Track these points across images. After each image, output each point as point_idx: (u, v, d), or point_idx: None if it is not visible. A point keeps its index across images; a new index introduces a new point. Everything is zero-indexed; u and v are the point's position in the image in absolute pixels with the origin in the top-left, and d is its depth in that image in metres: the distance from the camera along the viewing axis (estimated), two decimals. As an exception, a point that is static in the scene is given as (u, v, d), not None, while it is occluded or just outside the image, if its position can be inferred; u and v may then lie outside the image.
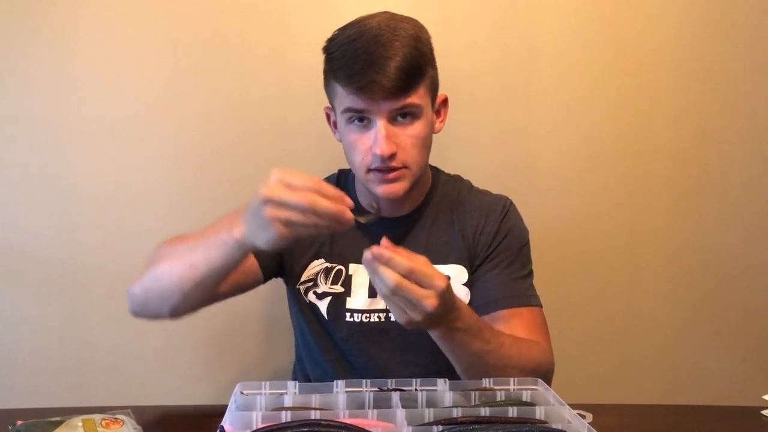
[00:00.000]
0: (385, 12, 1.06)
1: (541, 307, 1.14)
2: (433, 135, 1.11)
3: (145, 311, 1.05)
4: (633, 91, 1.52)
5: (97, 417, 0.85)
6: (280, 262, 1.17)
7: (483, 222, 1.15)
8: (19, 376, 1.50)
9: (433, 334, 0.92)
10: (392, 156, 1.03)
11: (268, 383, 0.86)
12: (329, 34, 1.07)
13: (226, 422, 0.73)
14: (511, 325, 1.07)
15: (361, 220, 0.90)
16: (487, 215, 1.16)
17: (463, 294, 1.11)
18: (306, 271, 1.16)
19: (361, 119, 1.04)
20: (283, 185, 0.81)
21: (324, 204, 0.80)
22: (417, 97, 1.03)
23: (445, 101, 1.14)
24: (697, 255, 1.56)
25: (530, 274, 1.17)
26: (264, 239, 0.84)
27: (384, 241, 0.84)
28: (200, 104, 1.47)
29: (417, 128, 1.05)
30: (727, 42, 1.51)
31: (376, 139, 1.02)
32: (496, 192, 1.21)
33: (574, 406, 0.78)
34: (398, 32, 1.01)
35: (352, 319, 1.13)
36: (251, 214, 0.84)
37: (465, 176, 1.24)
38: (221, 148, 1.48)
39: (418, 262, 0.83)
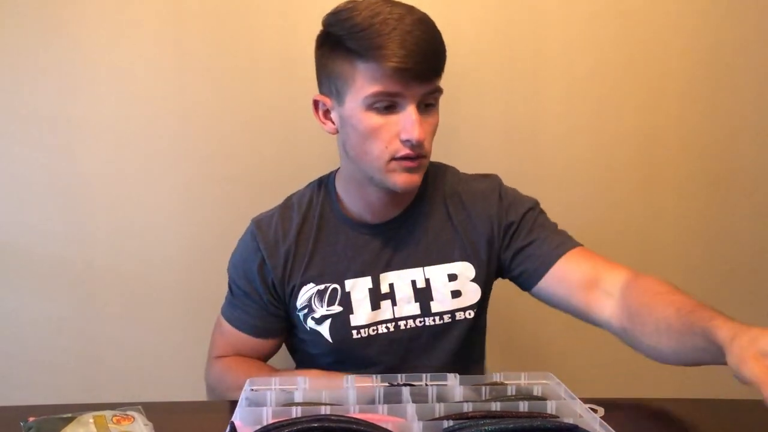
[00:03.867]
0: None
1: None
2: (439, 129, 1.05)
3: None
4: (641, 85, 1.51)
5: (108, 413, 0.86)
6: (284, 316, 1.12)
7: (485, 210, 1.11)
8: (31, 374, 1.51)
9: None
10: (421, 143, 0.98)
11: (278, 379, 0.86)
12: None
13: (237, 418, 0.73)
14: (573, 267, 1.04)
15: None
16: (487, 202, 1.11)
17: (472, 291, 1.09)
18: (298, 298, 1.09)
19: (387, 105, 0.97)
20: None
21: None
22: (439, 82, 1.00)
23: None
24: (706, 248, 1.56)
25: (557, 227, 1.13)
26: None
27: None
28: (208, 102, 1.47)
29: (435, 117, 1.03)
30: (736, 36, 1.50)
31: (409, 123, 0.96)
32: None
33: (585, 401, 0.77)
34: (416, 13, 0.98)
35: (359, 336, 1.07)
36: None
37: (472, 172, 1.18)
38: (229, 146, 1.48)
39: None
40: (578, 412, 0.75)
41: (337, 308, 1.08)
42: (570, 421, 0.70)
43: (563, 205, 1.53)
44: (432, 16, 1.05)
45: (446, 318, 1.08)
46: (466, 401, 0.79)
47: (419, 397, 0.80)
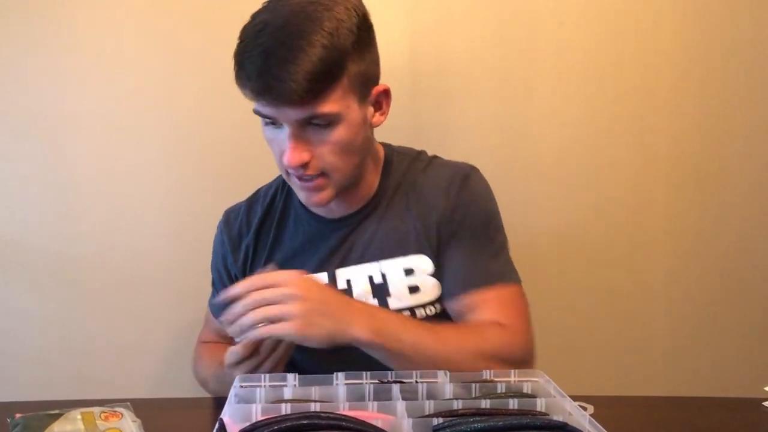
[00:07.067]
0: None
1: (517, 282, 1.03)
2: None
3: None
4: (633, 87, 1.51)
5: (96, 410, 0.85)
6: None
7: (440, 199, 1.03)
8: (19, 369, 1.50)
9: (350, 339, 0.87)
10: (305, 165, 0.93)
11: (267, 375, 0.86)
12: None
13: (226, 415, 0.73)
14: (480, 310, 0.98)
15: None
16: (444, 191, 1.04)
17: (431, 286, 1.03)
18: None
19: (271, 121, 0.93)
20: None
21: None
22: (330, 105, 0.89)
23: (386, 92, 1.01)
24: (699, 248, 1.56)
25: (502, 248, 1.05)
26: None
27: None
28: (199, 98, 1.47)
29: (335, 134, 0.92)
30: (729, 37, 1.50)
31: (284, 149, 0.92)
32: (495, 190, 1.10)
33: (575, 398, 0.77)
34: (311, 23, 0.86)
35: None
36: None
37: None
38: (220, 141, 1.48)
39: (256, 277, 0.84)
40: (568, 409, 0.75)
41: None
42: (559, 418, 0.70)
43: (555, 202, 1.54)
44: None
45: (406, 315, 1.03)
46: (456, 398, 0.79)
47: (409, 395, 0.80)
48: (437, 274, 1.03)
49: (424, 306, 1.03)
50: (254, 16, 0.92)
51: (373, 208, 1.07)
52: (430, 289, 1.03)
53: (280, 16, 0.88)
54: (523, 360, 0.96)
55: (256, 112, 0.93)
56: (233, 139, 1.47)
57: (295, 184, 0.99)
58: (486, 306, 0.99)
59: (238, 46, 0.91)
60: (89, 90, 1.45)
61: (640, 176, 1.54)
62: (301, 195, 1.00)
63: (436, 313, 1.04)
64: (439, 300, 1.04)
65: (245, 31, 0.91)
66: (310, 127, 0.92)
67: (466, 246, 1.02)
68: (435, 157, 1.13)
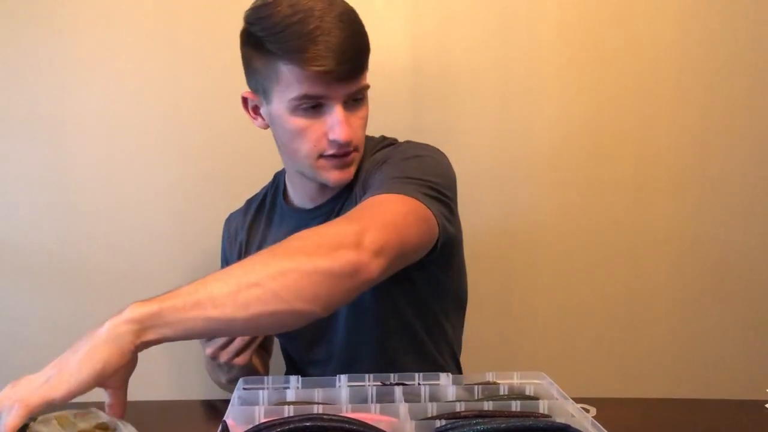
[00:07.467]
0: None
1: (415, 199, 0.89)
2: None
3: None
4: (635, 87, 1.51)
5: (68, 413, 0.84)
6: None
7: (374, 164, 1.02)
8: (19, 373, 1.50)
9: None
10: (349, 142, 0.97)
11: (270, 378, 0.86)
12: None
13: (229, 417, 0.73)
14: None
15: None
16: (374, 170, 1.01)
17: None
18: None
19: (313, 105, 0.95)
20: None
21: None
22: (365, 78, 0.98)
23: None
24: (700, 248, 1.56)
25: (419, 181, 0.94)
26: None
27: None
28: (202, 100, 1.47)
29: (364, 110, 1.00)
30: (731, 37, 1.50)
31: (336, 125, 0.95)
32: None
33: (577, 400, 0.77)
34: (337, 6, 0.93)
35: None
36: None
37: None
38: (223, 143, 1.48)
39: None
40: (570, 411, 0.75)
41: None
42: (562, 420, 0.70)
43: (556, 203, 1.54)
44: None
45: (369, 301, 1.01)
46: (459, 401, 0.79)
47: (412, 397, 0.80)
48: None
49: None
50: (272, 6, 0.93)
51: (342, 194, 1.06)
52: None
53: (309, 2, 0.91)
54: (355, 245, 0.77)
55: (303, 97, 0.93)
56: (236, 140, 1.47)
57: (326, 167, 0.99)
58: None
59: (279, 33, 0.91)
60: (92, 91, 1.45)
61: (642, 178, 1.53)
62: (334, 174, 1.00)
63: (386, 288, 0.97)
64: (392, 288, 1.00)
65: (277, 20, 0.92)
66: (348, 105, 0.97)
67: (376, 177, 0.99)
68: (394, 142, 1.11)
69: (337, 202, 1.07)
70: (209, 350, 0.98)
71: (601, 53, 1.50)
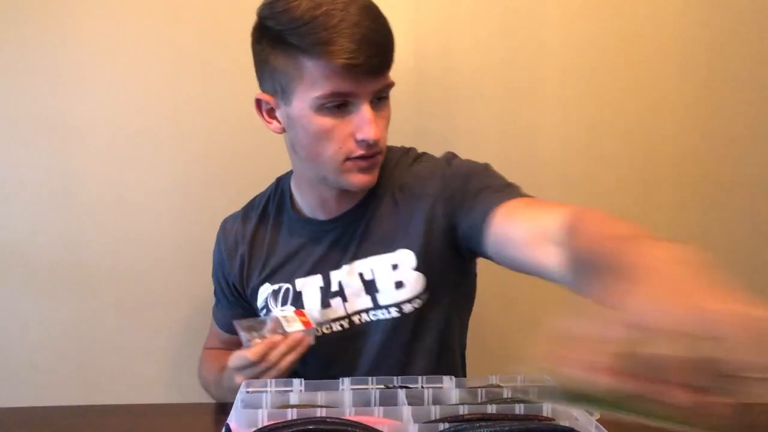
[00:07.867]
0: None
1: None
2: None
3: None
4: (638, 88, 1.51)
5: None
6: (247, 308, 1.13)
7: (433, 186, 1.01)
8: (22, 375, 1.50)
9: None
10: (377, 142, 0.93)
11: (273, 381, 0.86)
12: None
13: (232, 420, 0.73)
14: (512, 221, 0.90)
15: None
16: (434, 176, 1.02)
17: (413, 279, 1.00)
18: (258, 299, 1.09)
19: (340, 104, 0.91)
20: None
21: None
22: (390, 75, 0.95)
23: None
24: (702, 249, 1.55)
25: (507, 183, 1.00)
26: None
27: None
28: (205, 103, 1.47)
29: (388, 110, 0.97)
30: (734, 37, 1.50)
31: (364, 124, 0.91)
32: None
33: (581, 403, 0.77)
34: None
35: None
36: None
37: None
38: (226, 147, 1.48)
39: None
40: (574, 414, 0.75)
41: (289, 308, 1.04)
42: (566, 423, 0.70)
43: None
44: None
45: (393, 311, 1.01)
46: (462, 404, 0.79)
47: (415, 400, 0.80)
48: (420, 267, 1.00)
49: (409, 301, 1.01)
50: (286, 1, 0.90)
51: (364, 206, 1.05)
52: (414, 282, 1.00)
53: None
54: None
55: (331, 95, 0.90)
56: (239, 141, 1.47)
57: (352, 170, 0.96)
58: (531, 208, 0.93)
59: (302, 27, 0.88)
60: (94, 94, 1.45)
61: (645, 178, 1.53)
62: (358, 178, 0.96)
63: (421, 306, 1.02)
64: (423, 293, 1.02)
65: (298, 14, 0.88)
66: (374, 101, 0.93)
67: (476, 190, 0.98)
68: (423, 153, 1.11)
69: (359, 212, 1.04)
70: (252, 353, 0.90)
71: (605, 55, 1.49)
